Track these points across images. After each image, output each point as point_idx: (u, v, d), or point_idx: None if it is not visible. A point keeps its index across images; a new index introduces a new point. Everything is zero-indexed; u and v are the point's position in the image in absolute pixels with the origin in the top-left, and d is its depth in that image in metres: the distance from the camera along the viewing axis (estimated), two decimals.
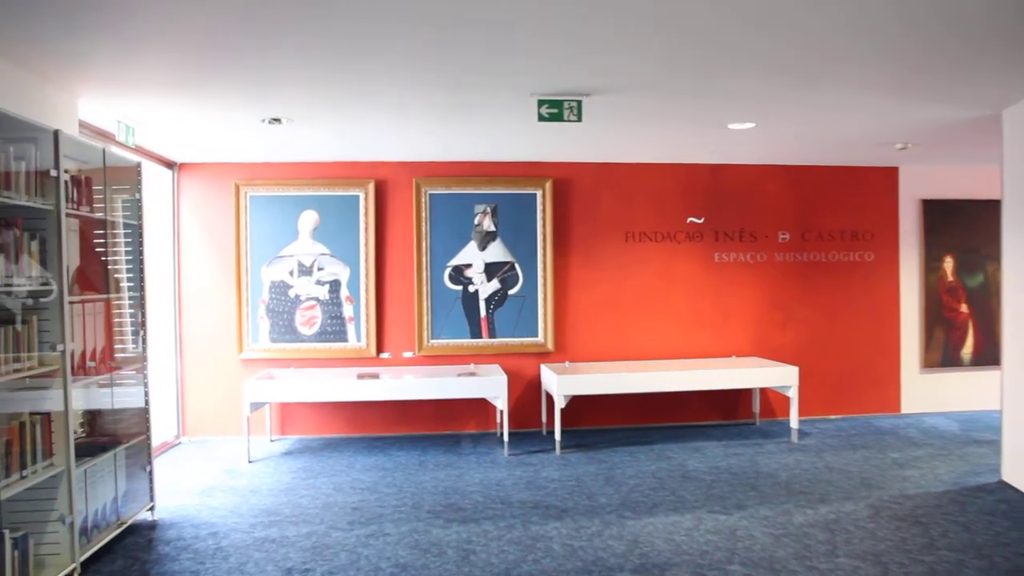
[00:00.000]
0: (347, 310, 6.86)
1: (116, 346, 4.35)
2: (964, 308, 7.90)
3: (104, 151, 4.19)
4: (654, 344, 7.25)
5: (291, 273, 6.83)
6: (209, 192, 6.84)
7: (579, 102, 4.62)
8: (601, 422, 7.16)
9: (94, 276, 4.09)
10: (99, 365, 4.06)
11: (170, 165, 6.77)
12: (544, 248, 7.00)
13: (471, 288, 6.96)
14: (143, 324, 4.49)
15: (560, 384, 6.14)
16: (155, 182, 6.76)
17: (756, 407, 7.33)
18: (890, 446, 6.38)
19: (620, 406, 7.05)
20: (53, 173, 3.52)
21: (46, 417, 3.54)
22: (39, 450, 3.48)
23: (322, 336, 6.84)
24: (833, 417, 7.54)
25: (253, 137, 5.79)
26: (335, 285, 6.85)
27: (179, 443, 6.74)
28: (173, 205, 6.82)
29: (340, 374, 6.71)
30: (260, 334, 6.81)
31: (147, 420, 4.54)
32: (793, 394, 6.52)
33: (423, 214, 6.89)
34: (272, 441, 6.77)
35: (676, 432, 6.98)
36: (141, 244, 4.48)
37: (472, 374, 6.74)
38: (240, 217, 6.78)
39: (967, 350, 7.90)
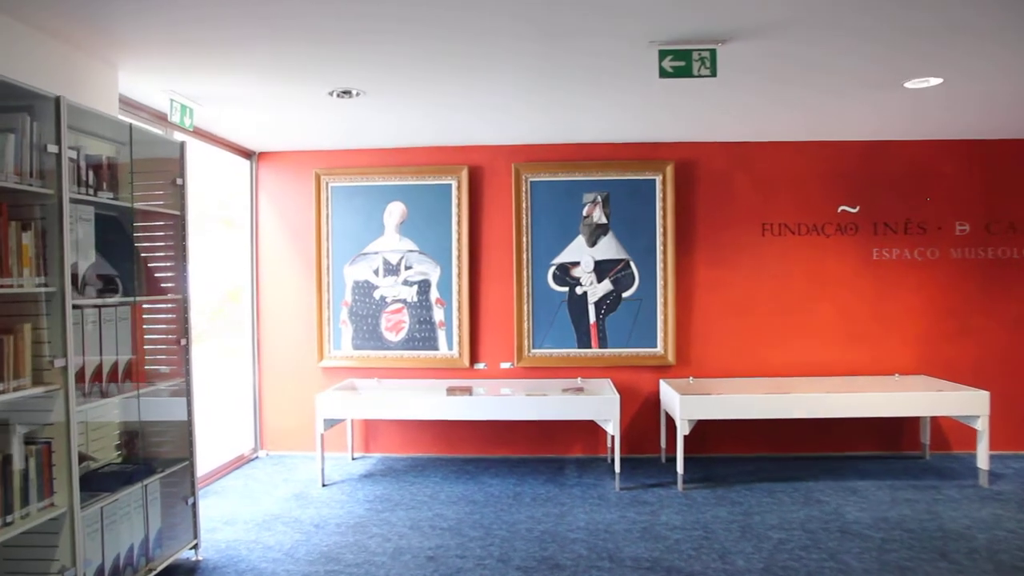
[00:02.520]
0: (437, 314, 6.07)
1: (152, 357, 3.68)
2: None
3: (131, 127, 3.51)
4: (797, 358, 6.06)
5: (376, 272, 6.10)
6: (288, 183, 6.22)
7: (712, 52, 3.58)
8: (731, 448, 6.05)
9: (123, 274, 3.42)
10: (124, 380, 3.39)
11: (248, 155, 6.19)
12: (664, 244, 5.96)
13: (579, 290, 6.01)
14: (186, 330, 3.80)
15: (684, 406, 5.10)
16: (236, 174, 6.20)
17: (926, 437, 6.01)
18: None
19: (754, 430, 5.92)
20: (51, 149, 2.84)
21: (44, 448, 2.87)
22: (32, 488, 2.81)
23: (410, 343, 6.08)
24: None
25: (327, 117, 5.07)
26: (424, 286, 6.07)
27: (256, 458, 6.14)
28: (251, 198, 6.23)
29: (428, 387, 5.92)
30: (342, 340, 6.12)
31: (190, 443, 3.85)
32: (983, 426, 5.19)
33: (523, 204, 6.00)
34: (353, 459, 6.06)
35: (823, 465, 5.78)
36: (184, 238, 3.80)
37: (579, 390, 5.79)
38: (321, 210, 6.11)
39: None
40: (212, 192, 6.36)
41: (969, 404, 5.22)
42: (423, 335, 6.07)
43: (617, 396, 5.18)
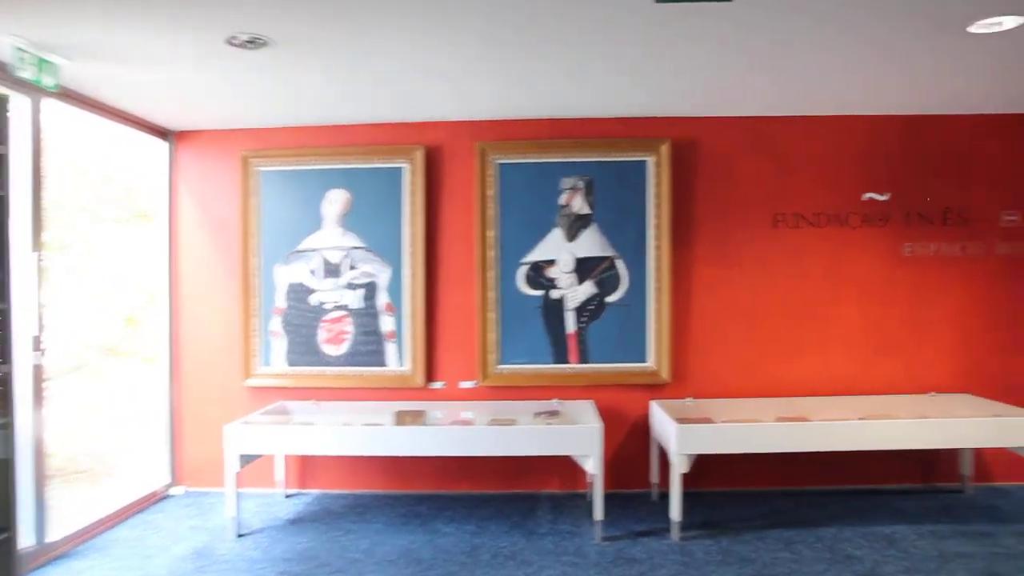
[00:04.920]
0: (386, 323, 5.08)
1: None
2: None
3: None
4: (815, 374, 5.08)
5: (314, 273, 5.11)
6: (211, 168, 5.22)
7: None
8: (737, 482, 5.07)
9: None
10: None
11: (164, 134, 5.19)
12: (658, 238, 4.98)
13: (555, 294, 5.03)
14: (4, 351, 2.81)
15: (681, 438, 4.12)
16: (152, 157, 5.22)
17: (966, 467, 5.04)
18: None
19: (764, 460, 4.89)
20: None
21: None
22: None
23: (353, 358, 5.08)
24: None
25: (239, 80, 4.09)
26: (371, 290, 5.09)
27: (168, 496, 5.14)
28: (169, 186, 5.23)
29: (375, 410, 4.94)
30: (273, 354, 5.12)
31: (8, 511, 2.85)
32: None
33: (489, 192, 5.01)
34: (287, 497, 5.07)
35: (848, 503, 4.81)
36: (4, 227, 2.81)
37: (555, 414, 4.81)
38: (248, 199, 5.11)
39: None
40: (123, 180, 5.38)
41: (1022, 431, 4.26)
42: (369, 348, 5.08)
43: (599, 425, 4.19)
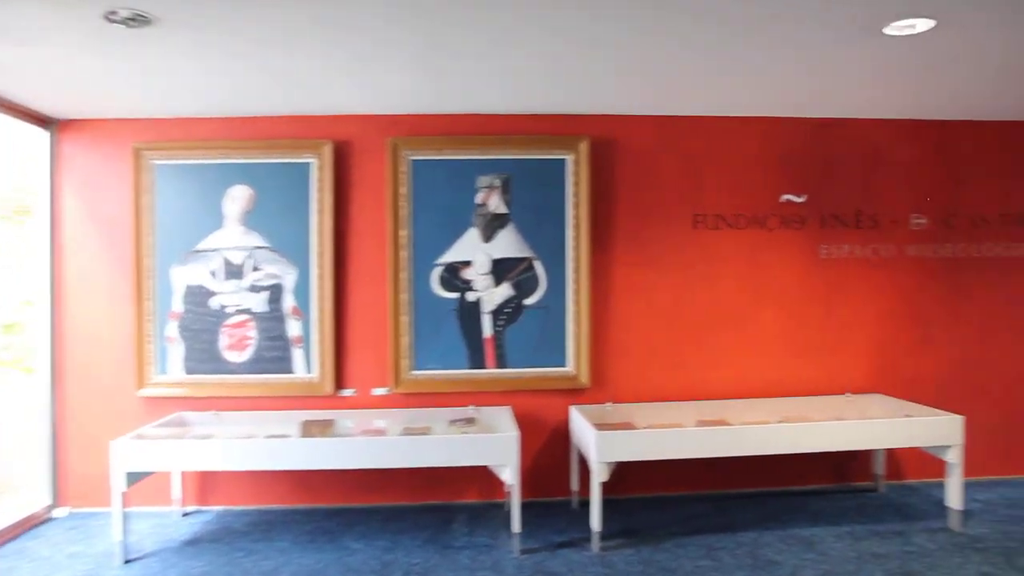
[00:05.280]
0: (293, 327, 4.79)
1: None
2: None
3: None
4: (736, 375, 5.05)
5: (214, 275, 4.78)
6: (99, 160, 4.82)
7: None
8: (657, 487, 4.99)
9: None
10: None
11: (45, 122, 4.76)
12: (576, 239, 4.85)
13: (471, 296, 4.84)
14: None
15: (600, 445, 3.98)
16: (29, 147, 4.78)
17: (879, 467, 5.09)
18: None
19: (685, 465, 4.73)
20: None
21: None
22: None
23: (257, 365, 4.77)
24: (990, 479, 5.25)
25: (128, 68, 3.75)
26: (276, 292, 4.78)
27: (50, 519, 4.71)
28: (50, 179, 4.80)
29: (281, 420, 4.63)
30: (170, 361, 4.76)
31: None
32: (955, 457, 4.28)
33: (402, 189, 4.78)
34: (185, 516, 4.72)
35: (767, 505, 4.78)
36: None
37: (471, 421, 4.62)
38: (141, 195, 4.74)
39: None
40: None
41: (940, 432, 4.30)
42: (274, 354, 4.78)
43: (516, 433, 4.02)
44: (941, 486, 4.97)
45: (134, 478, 3.97)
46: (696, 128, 4.99)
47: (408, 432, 4.44)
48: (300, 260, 4.77)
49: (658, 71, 4.03)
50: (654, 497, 4.94)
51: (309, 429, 4.50)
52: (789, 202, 5.07)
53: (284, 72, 3.95)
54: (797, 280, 5.10)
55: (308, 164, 4.76)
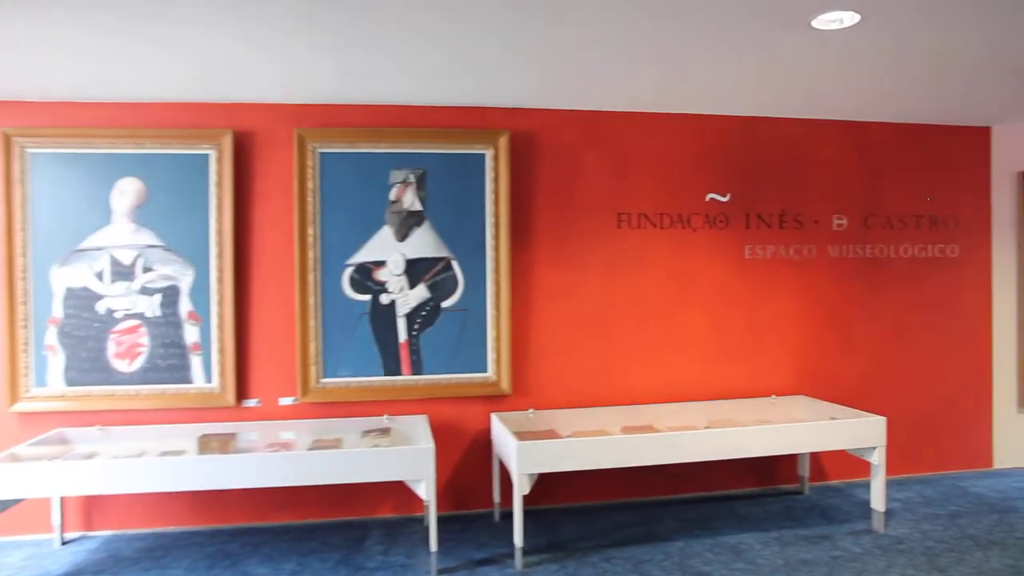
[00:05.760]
0: (190, 334, 4.40)
1: None
2: None
3: None
4: (662, 379, 4.91)
5: (100, 276, 4.34)
6: None
7: None
8: (581, 496, 4.81)
9: None
10: None
11: None
12: (496, 237, 4.62)
13: (385, 299, 4.55)
14: None
15: (522, 456, 3.76)
16: None
17: (804, 468, 5.04)
18: None
19: (610, 472, 4.58)
20: None
21: None
22: None
23: (150, 374, 4.36)
24: (907, 477, 5.28)
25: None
26: (171, 295, 4.39)
27: None
28: None
29: (178, 435, 4.25)
30: (49, 372, 4.30)
31: None
32: (879, 459, 4.24)
33: (310, 184, 4.45)
34: (64, 544, 4.26)
35: (694, 512, 4.65)
36: None
37: (385, 432, 4.33)
38: (13, 187, 4.26)
39: None
40: None
41: (864, 434, 4.25)
42: (170, 363, 4.37)
43: (431, 445, 3.75)
44: (863, 486, 4.99)
45: (4, 505, 3.53)
46: (620, 124, 4.83)
47: (318, 445, 4.13)
48: (198, 260, 4.38)
49: (580, 64, 3.83)
50: (579, 507, 4.76)
51: (208, 444, 4.13)
52: (714, 201, 4.97)
53: (180, 54, 3.58)
54: (722, 281, 5.00)
55: (206, 156, 4.38)
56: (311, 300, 4.44)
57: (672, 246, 4.91)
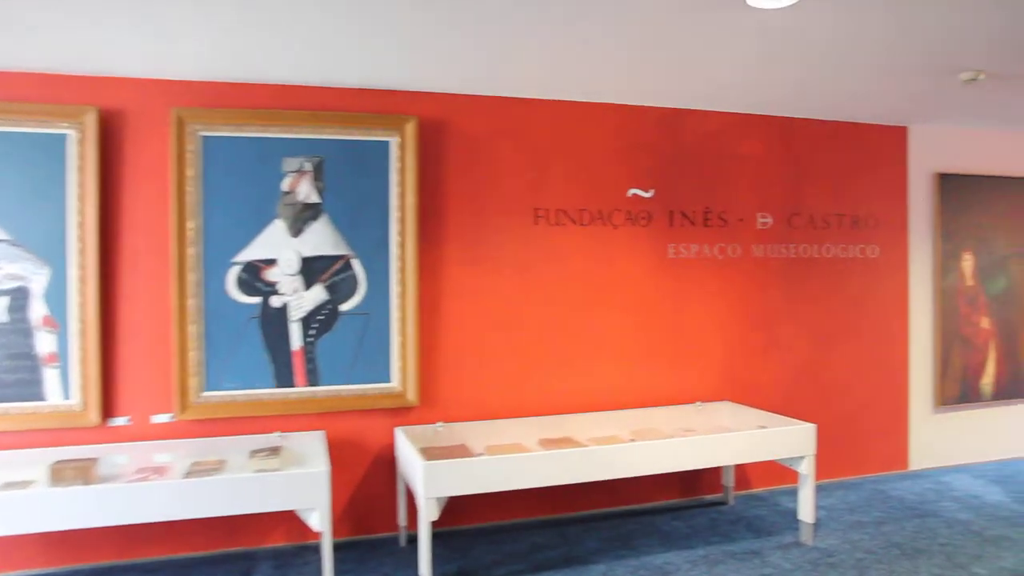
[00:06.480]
0: (44, 342, 3.79)
1: None
2: (986, 323, 5.74)
3: None
4: (580, 387, 4.59)
5: None
6: None
7: None
8: (494, 515, 4.44)
9: None
10: None
11: None
12: (402, 234, 4.20)
13: (276, 301, 4.06)
14: None
15: (428, 478, 3.35)
16: None
17: (728, 478, 4.83)
18: (952, 540, 4.01)
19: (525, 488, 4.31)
20: None
21: None
22: None
23: None
24: (830, 482, 5.15)
25: None
26: (20, 298, 3.77)
27: None
28: None
29: (25, 463, 3.64)
30: None
31: None
32: (808, 468, 4.03)
33: (190, 172, 3.92)
34: None
35: (616, 528, 4.35)
36: None
37: (276, 451, 3.83)
38: None
39: (988, 380, 5.76)
40: None
41: (794, 443, 4.03)
42: (19, 377, 3.76)
43: (325, 468, 3.30)
44: (787, 493, 4.83)
45: None
46: (538, 113, 4.49)
47: (197, 468, 3.61)
48: (54, 257, 3.78)
49: (493, 44, 3.46)
50: (492, 527, 4.39)
51: (62, 473, 3.53)
52: (636, 197, 4.69)
53: (32, 18, 3.02)
54: (645, 282, 4.72)
55: (64, 136, 3.78)
56: (191, 303, 3.90)
57: (593, 244, 4.60)
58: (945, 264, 5.56)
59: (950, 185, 5.53)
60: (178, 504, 3.18)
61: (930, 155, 5.50)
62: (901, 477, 5.37)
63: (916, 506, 4.72)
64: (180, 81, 3.95)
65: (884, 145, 5.35)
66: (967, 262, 5.66)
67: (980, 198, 5.65)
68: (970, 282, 5.67)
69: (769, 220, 5.01)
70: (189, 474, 3.52)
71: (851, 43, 3.50)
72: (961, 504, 4.76)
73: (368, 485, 4.23)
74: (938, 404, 5.55)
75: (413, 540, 3.99)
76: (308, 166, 4.07)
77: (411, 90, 4.24)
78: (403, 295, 4.18)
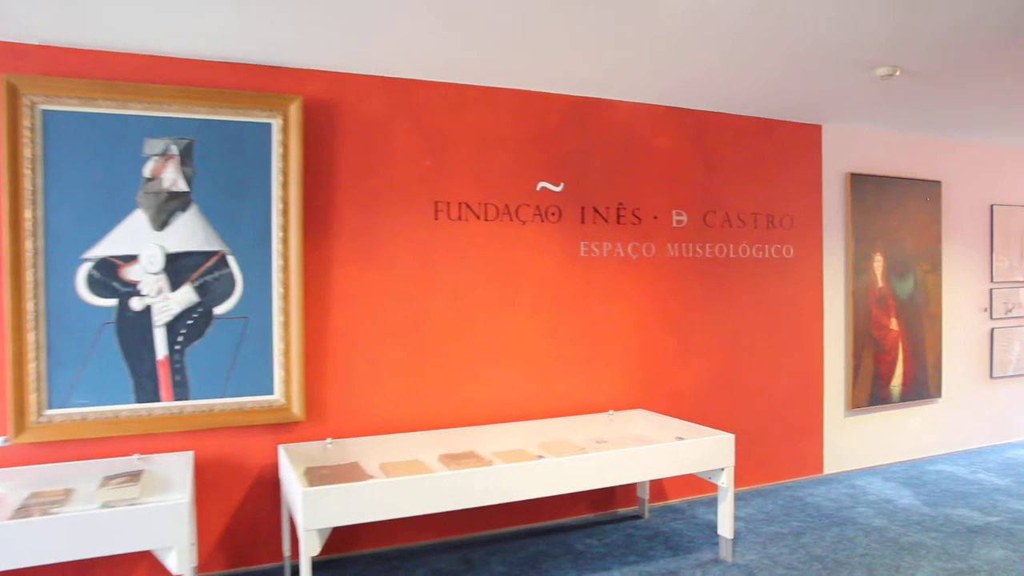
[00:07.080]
0: None
1: None
2: (894, 324, 5.71)
3: None
4: (486, 396, 4.23)
5: None
6: None
7: None
8: (391, 538, 4.03)
9: None
10: None
11: None
12: (285, 228, 3.73)
13: (136, 303, 3.52)
14: None
15: (309, 506, 2.90)
16: None
17: (643, 490, 4.56)
18: (871, 550, 3.85)
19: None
20: None
21: None
22: None
23: None
24: (747, 490, 4.96)
25: None
26: None
27: None
28: None
29: None
30: None
31: None
32: (727, 481, 3.79)
33: (27, 152, 3.34)
34: None
35: (524, 550, 4.01)
36: None
37: (135, 476, 3.31)
38: None
39: (897, 382, 5.73)
40: None
41: (712, 454, 3.78)
42: None
43: (185, 500, 2.81)
44: (704, 503, 4.65)
45: None
46: (438, 96, 4.10)
47: (36, 501, 3.06)
48: None
49: (383, 15, 3.06)
50: (389, 551, 3.97)
51: None
52: (545, 191, 4.36)
53: None
54: (555, 282, 4.40)
55: None
56: (29, 306, 3.33)
57: (498, 241, 4.24)
58: (857, 265, 5.48)
59: (862, 186, 5.46)
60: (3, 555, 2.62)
61: (843, 155, 5.41)
62: (816, 482, 5.25)
63: (833, 513, 4.58)
64: (13, 43, 3.36)
65: (798, 143, 5.23)
66: (878, 263, 5.61)
67: (890, 200, 5.61)
68: (880, 283, 5.62)
69: (684, 218, 4.79)
70: (24, 507, 2.97)
71: (765, 30, 3.28)
72: (876, 510, 4.65)
73: (248, 511, 3.74)
74: (850, 407, 5.47)
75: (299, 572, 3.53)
76: (175, 149, 3.55)
77: (296, 67, 3.78)
78: (286, 296, 3.70)
